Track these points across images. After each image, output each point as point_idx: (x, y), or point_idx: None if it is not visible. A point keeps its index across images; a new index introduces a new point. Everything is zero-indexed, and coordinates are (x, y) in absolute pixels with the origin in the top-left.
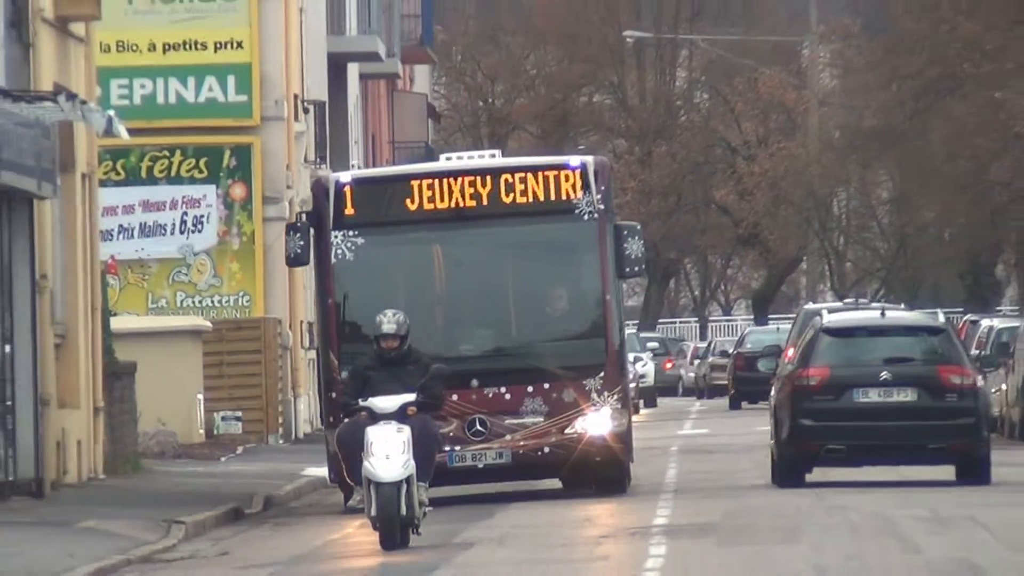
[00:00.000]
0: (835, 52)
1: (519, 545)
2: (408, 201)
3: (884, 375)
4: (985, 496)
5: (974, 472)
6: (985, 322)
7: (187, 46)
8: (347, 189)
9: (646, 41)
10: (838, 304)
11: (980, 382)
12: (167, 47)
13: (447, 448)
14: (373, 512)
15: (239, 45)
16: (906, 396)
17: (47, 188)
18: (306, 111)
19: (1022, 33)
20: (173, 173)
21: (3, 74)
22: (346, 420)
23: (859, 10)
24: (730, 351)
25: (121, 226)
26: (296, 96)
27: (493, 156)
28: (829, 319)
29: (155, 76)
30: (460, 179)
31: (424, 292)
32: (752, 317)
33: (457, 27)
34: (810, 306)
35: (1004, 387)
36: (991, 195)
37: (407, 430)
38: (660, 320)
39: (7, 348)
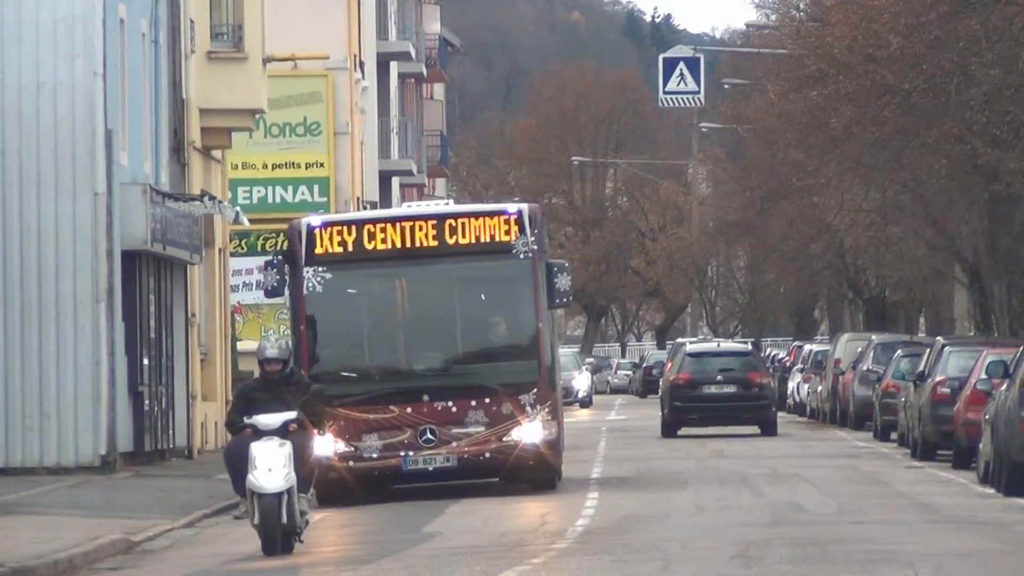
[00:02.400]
0: (709, 171)
1: (471, 531)
2: (369, 241)
3: (719, 377)
4: (787, 448)
5: (769, 431)
6: (807, 346)
7: (287, 166)
8: (317, 231)
9: (586, 163)
10: (697, 338)
11: (771, 381)
12: (274, 166)
13: (402, 453)
14: (256, 521)
15: (321, 165)
16: (731, 389)
17: (196, 257)
18: (364, 208)
19: (830, 160)
20: (278, 248)
21: (168, 183)
22: (233, 437)
23: (724, 143)
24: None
25: (244, 282)
26: (358, 198)
27: (447, 203)
28: (689, 347)
29: (266, 184)
30: (414, 223)
31: (383, 319)
32: (655, 343)
33: (464, 153)
34: (680, 340)
35: (819, 388)
36: (810, 264)
37: (289, 445)
38: (595, 344)
39: (171, 362)
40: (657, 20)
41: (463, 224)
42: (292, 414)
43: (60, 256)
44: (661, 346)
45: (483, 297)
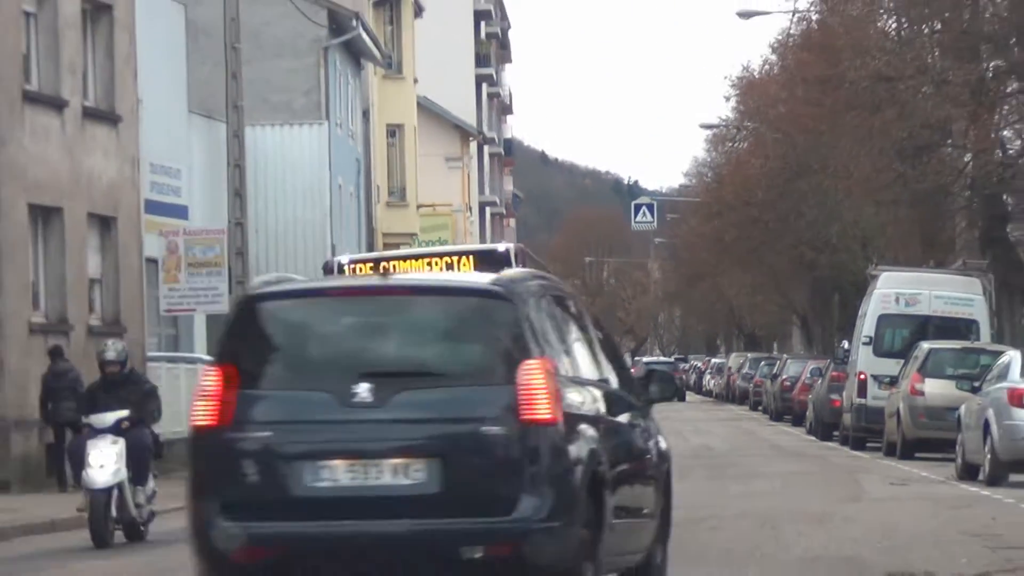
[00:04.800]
0: (659, 265)
1: None
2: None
3: None
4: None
5: (681, 399)
6: (713, 360)
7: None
8: (347, 266)
9: (592, 261)
10: (652, 357)
11: (683, 376)
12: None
13: None
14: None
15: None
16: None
17: None
18: None
19: (724, 259)
20: None
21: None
22: (75, 435)
23: (668, 249)
24: None
25: None
26: None
27: (444, 243)
28: (644, 360)
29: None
30: (424, 259)
31: None
32: (631, 360)
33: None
34: (639, 358)
35: (719, 382)
36: (715, 315)
37: (121, 442)
38: None
39: None
40: (631, 183)
41: (462, 259)
42: (125, 412)
43: None
44: (633, 362)
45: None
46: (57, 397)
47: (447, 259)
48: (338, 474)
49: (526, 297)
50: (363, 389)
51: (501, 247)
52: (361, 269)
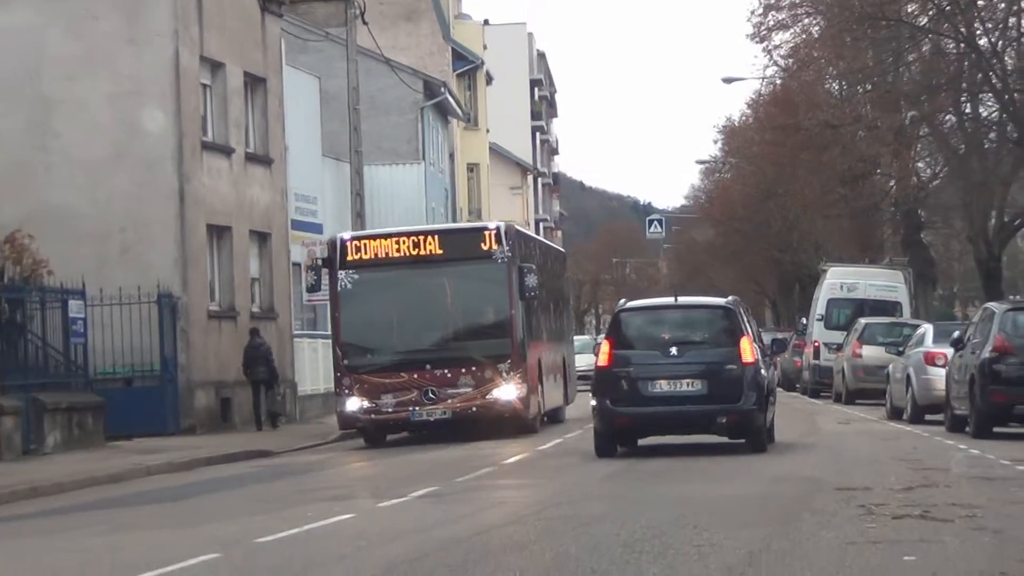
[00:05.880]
0: (667, 264)
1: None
2: (387, 251)
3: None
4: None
5: None
6: None
7: None
8: (348, 243)
9: (619, 262)
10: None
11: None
12: None
13: (410, 408)
14: None
15: None
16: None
17: None
18: None
19: (716, 261)
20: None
21: None
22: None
23: (674, 253)
24: None
25: None
26: None
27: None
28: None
29: None
30: (420, 236)
31: (396, 308)
32: None
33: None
34: None
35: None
36: None
37: None
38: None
39: None
40: (645, 203)
41: (457, 238)
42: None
43: None
44: None
45: (470, 291)
46: (254, 363)
47: (445, 235)
48: (662, 387)
49: (737, 308)
50: (673, 350)
51: (492, 225)
52: (360, 243)
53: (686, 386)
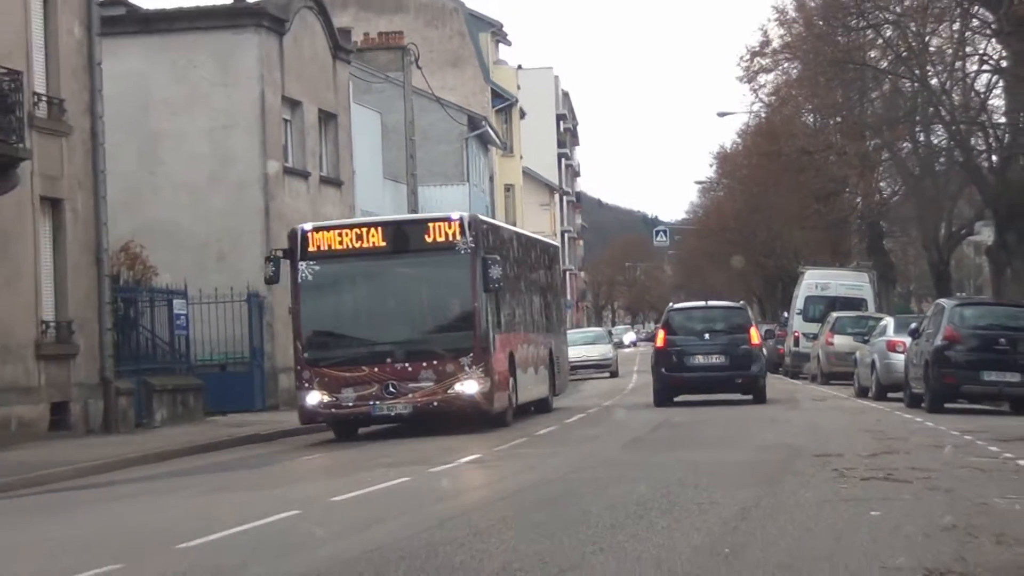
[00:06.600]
0: (672, 268)
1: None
2: (348, 241)
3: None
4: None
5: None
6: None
7: None
8: (309, 234)
9: (630, 266)
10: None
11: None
12: None
13: (371, 402)
14: None
15: None
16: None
17: None
18: None
19: (712, 262)
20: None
21: None
22: None
23: (676, 257)
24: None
25: None
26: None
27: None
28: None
29: None
30: (382, 227)
31: (357, 300)
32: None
33: (588, 262)
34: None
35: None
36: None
37: None
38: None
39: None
40: (652, 217)
41: (419, 228)
42: None
43: None
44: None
45: (433, 283)
46: None
47: (407, 226)
48: (699, 360)
49: (746, 307)
50: (705, 335)
51: (455, 216)
52: (321, 234)
53: (714, 359)
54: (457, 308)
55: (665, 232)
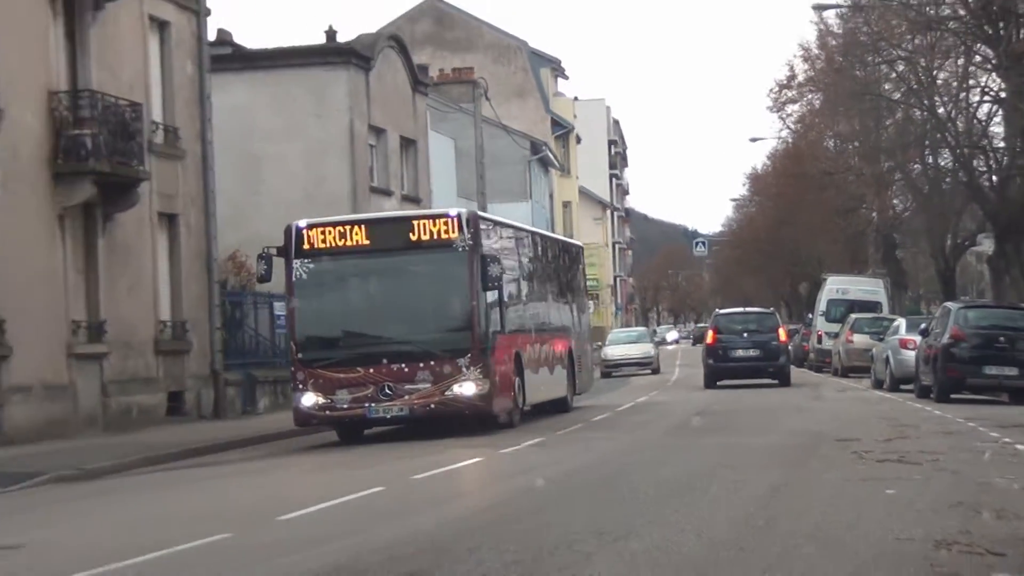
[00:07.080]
0: (710, 276)
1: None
2: (344, 239)
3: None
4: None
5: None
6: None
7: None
8: (304, 231)
9: (672, 273)
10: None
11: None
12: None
13: (367, 405)
14: None
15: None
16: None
17: None
18: None
19: (744, 268)
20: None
21: None
22: None
23: (714, 266)
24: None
25: None
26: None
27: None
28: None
29: None
30: (379, 224)
31: (353, 299)
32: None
33: (636, 269)
34: (698, 324)
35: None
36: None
37: None
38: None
39: None
40: (692, 229)
41: (416, 225)
42: None
43: None
44: (695, 328)
45: (430, 281)
46: None
47: (404, 223)
48: (739, 353)
49: (775, 312)
50: (745, 335)
51: (453, 212)
52: (316, 231)
53: (751, 353)
54: (455, 307)
55: (704, 243)
